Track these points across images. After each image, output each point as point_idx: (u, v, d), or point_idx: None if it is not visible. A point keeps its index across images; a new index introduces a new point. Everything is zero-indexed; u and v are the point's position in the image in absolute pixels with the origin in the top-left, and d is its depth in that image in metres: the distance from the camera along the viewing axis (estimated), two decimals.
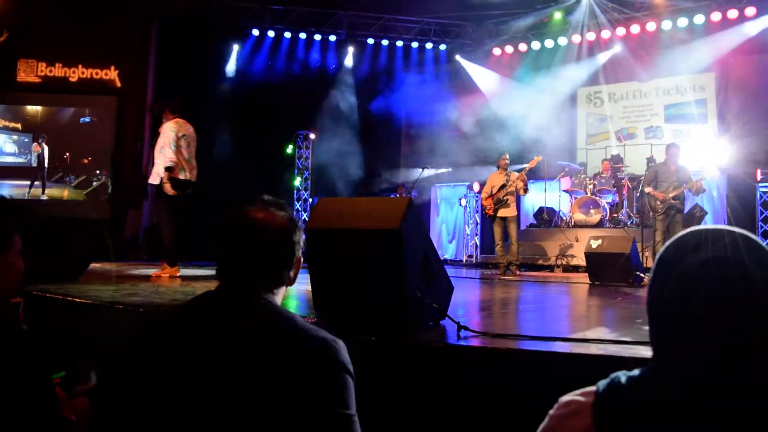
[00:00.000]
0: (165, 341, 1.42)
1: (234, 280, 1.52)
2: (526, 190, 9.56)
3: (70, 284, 5.18)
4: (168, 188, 6.66)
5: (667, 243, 1.03)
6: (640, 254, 8.56)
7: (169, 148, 6.72)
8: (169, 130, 6.84)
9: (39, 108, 13.92)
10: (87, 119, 13.84)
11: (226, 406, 1.28)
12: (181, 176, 6.81)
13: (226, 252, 1.55)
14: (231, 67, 14.74)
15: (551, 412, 1.01)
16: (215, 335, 1.37)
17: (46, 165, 13.59)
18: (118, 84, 13.89)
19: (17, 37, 12.96)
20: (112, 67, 13.87)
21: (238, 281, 1.52)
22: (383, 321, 3.00)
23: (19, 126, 13.74)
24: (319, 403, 1.31)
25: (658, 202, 8.47)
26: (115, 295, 4.37)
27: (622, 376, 0.97)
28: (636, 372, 0.97)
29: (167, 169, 6.68)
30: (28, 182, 13.59)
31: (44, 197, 13.53)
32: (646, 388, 0.92)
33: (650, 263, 9.71)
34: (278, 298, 1.59)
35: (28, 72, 13.61)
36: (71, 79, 13.74)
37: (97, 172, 13.80)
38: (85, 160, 13.82)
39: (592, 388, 0.98)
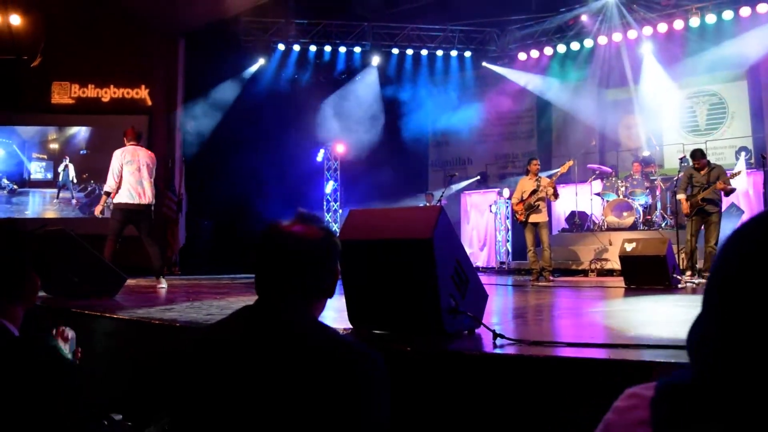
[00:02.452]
0: (203, 357, 1.43)
1: (271, 294, 1.53)
2: (556, 196, 9.47)
3: (107, 300, 5.27)
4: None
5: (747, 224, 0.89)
6: (676, 256, 8.42)
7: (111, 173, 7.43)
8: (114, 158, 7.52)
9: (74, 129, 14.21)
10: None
11: (264, 421, 1.29)
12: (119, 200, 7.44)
13: (264, 266, 1.56)
14: (258, 82, 14.90)
15: (614, 403, 0.97)
16: (252, 350, 1.38)
17: (70, 180, 13.94)
18: (149, 102, 14.14)
19: (50, 60, 13.29)
20: (143, 86, 14.13)
21: (275, 295, 1.52)
22: (418, 331, 3.00)
23: (45, 156, 14.11)
24: (357, 418, 1.31)
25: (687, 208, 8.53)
26: (151, 311, 4.43)
27: (686, 372, 0.91)
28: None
29: (106, 193, 7.57)
30: (56, 191, 13.99)
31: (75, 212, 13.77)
32: (707, 390, 0.86)
33: (686, 265, 9.57)
34: (317, 311, 1.60)
35: (62, 94, 13.94)
36: (104, 99, 14.03)
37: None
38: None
39: (655, 383, 0.94)
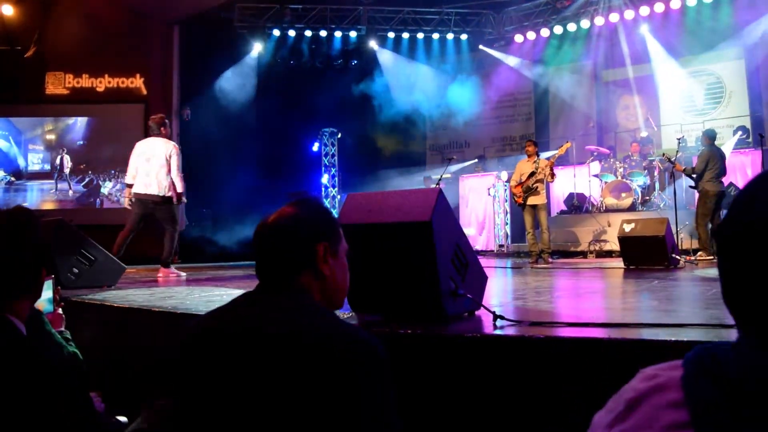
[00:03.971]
0: (202, 344, 1.42)
1: (263, 278, 1.54)
2: (553, 176, 9.45)
3: (107, 290, 5.28)
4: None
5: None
6: (675, 236, 8.43)
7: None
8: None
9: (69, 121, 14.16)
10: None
11: (262, 408, 1.28)
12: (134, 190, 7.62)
13: (259, 250, 1.56)
14: (254, 68, 14.83)
15: (632, 383, 0.89)
16: (249, 336, 1.37)
17: (66, 171, 14.03)
18: (144, 91, 14.08)
19: (44, 50, 13.22)
20: (138, 75, 14.07)
21: (266, 278, 1.54)
22: (418, 314, 3.00)
23: (42, 147, 14.09)
24: (358, 405, 1.29)
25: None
26: (151, 299, 4.43)
27: (716, 346, 0.84)
28: (735, 341, 0.84)
29: (126, 185, 7.71)
30: (53, 181, 14.05)
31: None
32: (755, 357, 0.79)
33: (686, 245, 9.60)
34: (315, 290, 1.57)
35: (56, 84, 13.88)
36: (98, 89, 13.98)
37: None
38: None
39: (678, 362, 0.86)
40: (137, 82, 14.10)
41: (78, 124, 14.13)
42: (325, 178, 15.61)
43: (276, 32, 14.82)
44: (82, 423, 1.68)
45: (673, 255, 7.34)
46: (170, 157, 7.56)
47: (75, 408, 1.60)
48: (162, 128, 7.77)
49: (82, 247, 5.63)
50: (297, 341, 1.32)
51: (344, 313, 3.31)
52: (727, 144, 11.47)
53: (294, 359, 1.29)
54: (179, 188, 7.58)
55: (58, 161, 13.98)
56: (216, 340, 1.40)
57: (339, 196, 15.30)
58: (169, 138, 7.82)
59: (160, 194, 7.45)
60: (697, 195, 9.20)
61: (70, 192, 13.99)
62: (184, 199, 7.92)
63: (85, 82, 13.95)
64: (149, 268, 9.13)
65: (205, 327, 1.47)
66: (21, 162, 14.01)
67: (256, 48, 14.94)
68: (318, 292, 1.58)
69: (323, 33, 15.03)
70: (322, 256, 1.58)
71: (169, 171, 7.51)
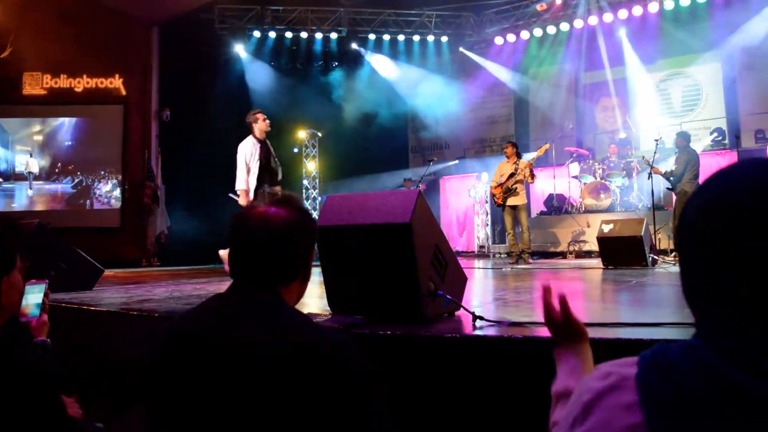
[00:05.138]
0: (175, 346, 1.39)
1: (241, 278, 1.49)
2: (533, 177, 9.52)
3: (85, 293, 5.23)
4: None
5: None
6: (653, 236, 8.52)
7: None
8: None
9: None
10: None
11: (236, 413, 1.25)
12: None
13: (236, 252, 1.51)
14: (234, 69, 14.75)
15: (589, 382, 0.89)
16: (222, 338, 1.33)
17: (35, 173, 13.90)
18: (123, 92, 13.96)
19: (21, 51, 13.06)
20: (117, 76, 13.94)
21: (246, 280, 1.48)
22: (398, 315, 3.00)
23: (29, 149, 13.94)
24: (348, 415, 1.26)
25: None
26: (129, 302, 4.40)
27: (671, 345, 0.84)
28: (689, 339, 0.84)
29: None
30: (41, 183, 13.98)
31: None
32: (706, 355, 0.79)
33: (663, 245, 9.70)
34: (293, 296, 1.55)
35: (34, 85, 13.72)
36: (76, 90, 13.83)
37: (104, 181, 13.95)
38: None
39: (634, 358, 0.86)
40: (116, 82, 13.97)
41: (66, 125, 13.97)
42: (305, 180, 15.57)
43: (256, 34, 14.75)
44: (55, 430, 1.64)
45: (651, 255, 7.42)
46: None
47: (47, 415, 1.56)
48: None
49: (60, 249, 5.57)
50: (273, 346, 1.29)
51: (323, 314, 3.31)
52: (698, 144, 11.64)
53: (277, 367, 1.26)
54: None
55: (25, 164, 13.83)
56: (193, 346, 1.35)
57: (320, 198, 15.26)
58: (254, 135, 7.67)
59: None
60: (674, 196, 9.31)
61: (29, 192, 13.82)
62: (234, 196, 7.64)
63: (63, 82, 13.80)
64: (127, 272, 9.05)
65: (177, 330, 1.43)
66: (8, 163, 13.83)
67: (237, 49, 14.86)
68: (296, 295, 1.58)
69: (304, 35, 14.98)
70: (310, 263, 1.58)
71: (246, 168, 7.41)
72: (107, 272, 6.82)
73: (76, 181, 13.90)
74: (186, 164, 13.56)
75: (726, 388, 0.75)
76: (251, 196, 7.23)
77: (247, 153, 7.43)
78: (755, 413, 0.72)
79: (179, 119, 13.82)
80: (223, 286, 5.95)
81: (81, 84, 13.82)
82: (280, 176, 7.62)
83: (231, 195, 7.37)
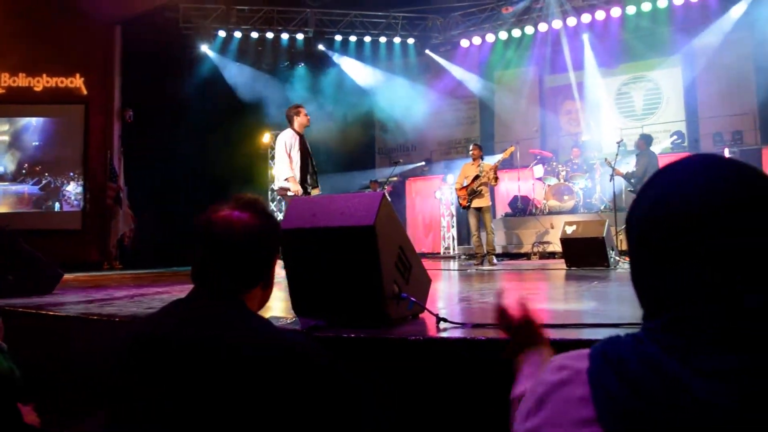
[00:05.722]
0: (136, 351, 1.37)
1: (203, 283, 1.47)
2: (496, 180, 9.60)
3: (43, 297, 5.11)
4: None
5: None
6: (615, 237, 8.66)
7: None
8: None
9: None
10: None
11: (196, 416, 1.24)
12: None
13: (197, 256, 1.49)
14: (199, 69, 14.59)
15: (543, 375, 0.90)
16: (183, 343, 1.31)
17: None
18: (85, 92, 13.69)
19: None
20: (78, 75, 13.67)
21: (206, 284, 1.46)
22: (362, 318, 3.00)
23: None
24: (293, 416, 1.26)
25: None
26: (90, 306, 4.31)
27: (620, 338, 0.86)
28: (638, 332, 0.86)
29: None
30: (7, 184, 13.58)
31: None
32: (650, 349, 0.80)
33: (625, 246, 9.87)
34: (255, 301, 1.54)
35: None
36: (36, 89, 13.52)
37: (65, 181, 13.66)
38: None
39: (586, 351, 0.87)
40: (77, 82, 13.69)
41: (33, 125, 13.64)
42: (270, 181, 15.46)
43: (222, 33, 14.62)
44: None
45: (613, 256, 7.54)
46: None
47: (1, 423, 1.53)
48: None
49: (17, 252, 5.43)
50: (232, 351, 1.28)
51: (286, 317, 3.29)
52: (658, 147, 11.90)
53: (236, 370, 1.25)
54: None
55: None
56: (154, 350, 1.33)
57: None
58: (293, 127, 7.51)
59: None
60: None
61: None
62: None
63: (22, 81, 13.48)
64: (88, 275, 8.89)
65: (140, 335, 1.40)
66: None
67: (202, 49, 14.70)
68: (258, 300, 1.56)
69: (270, 35, 14.90)
70: (274, 268, 1.57)
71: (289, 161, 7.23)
72: (68, 276, 6.69)
73: (44, 182, 13.58)
74: (149, 165, 13.36)
75: (669, 384, 0.76)
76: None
77: (288, 142, 7.27)
78: (697, 409, 0.73)
79: (143, 119, 13.61)
80: (186, 289, 5.88)
81: (40, 83, 13.52)
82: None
83: (281, 186, 7.12)
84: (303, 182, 7.21)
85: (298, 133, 7.42)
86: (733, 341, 0.77)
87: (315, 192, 7.33)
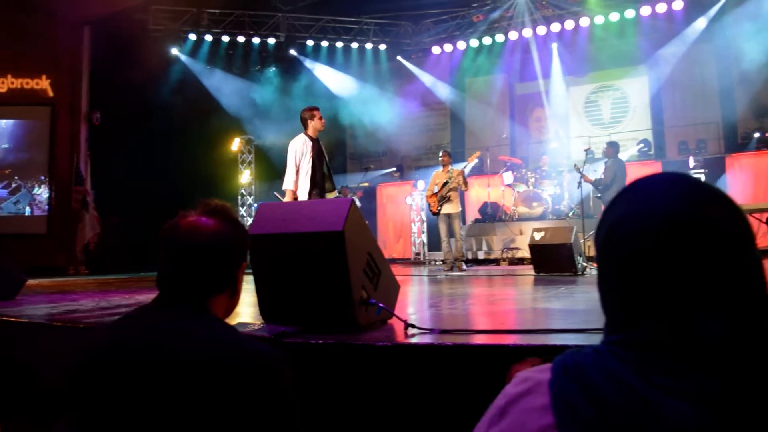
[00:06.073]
0: (100, 358, 1.35)
1: (168, 290, 1.46)
2: (466, 185, 9.67)
3: (6, 303, 5.01)
4: None
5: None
6: (583, 244, 8.77)
7: None
8: None
9: None
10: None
11: (160, 424, 1.23)
12: None
13: (163, 262, 1.48)
14: (169, 72, 14.44)
15: (507, 387, 0.92)
16: (146, 350, 1.30)
17: None
18: (51, 93, 13.47)
19: None
20: (44, 77, 13.45)
21: (171, 291, 1.45)
22: (330, 324, 3.00)
23: None
24: (259, 422, 1.25)
25: None
26: (54, 312, 4.24)
27: (582, 350, 0.87)
28: (598, 345, 0.88)
29: None
30: None
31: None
32: (610, 363, 0.82)
33: (593, 252, 9.99)
34: (221, 308, 1.53)
35: None
36: (0, 90, 13.26)
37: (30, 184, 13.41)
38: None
39: (549, 365, 0.89)
40: (43, 83, 13.47)
41: (2, 126, 13.35)
42: (241, 187, 15.37)
43: (192, 36, 14.50)
44: None
45: (580, 262, 7.63)
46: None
47: None
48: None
49: None
50: (197, 358, 1.27)
51: (254, 323, 3.27)
52: (625, 154, 12.12)
53: (200, 378, 1.24)
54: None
55: None
56: (118, 357, 1.32)
57: (255, 204, 15.08)
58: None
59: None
60: (603, 206, 9.62)
61: None
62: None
63: None
64: (53, 281, 8.73)
65: (104, 342, 1.38)
66: None
67: (172, 52, 14.56)
68: (224, 308, 1.55)
69: (241, 39, 14.82)
70: (241, 276, 1.55)
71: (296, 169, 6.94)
72: (32, 281, 6.57)
73: (14, 186, 13.30)
74: (117, 169, 13.17)
75: (628, 396, 0.78)
76: (305, 197, 6.75)
77: (298, 150, 6.93)
78: (657, 423, 0.75)
79: (111, 122, 13.42)
80: (152, 296, 5.81)
81: (5, 84, 13.27)
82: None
83: (276, 194, 6.92)
84: (317, 189, 6.91)
85: (311, 138, 7.09)
86: (691, 362, 0.79)
87: (330, 196, 7.06)
